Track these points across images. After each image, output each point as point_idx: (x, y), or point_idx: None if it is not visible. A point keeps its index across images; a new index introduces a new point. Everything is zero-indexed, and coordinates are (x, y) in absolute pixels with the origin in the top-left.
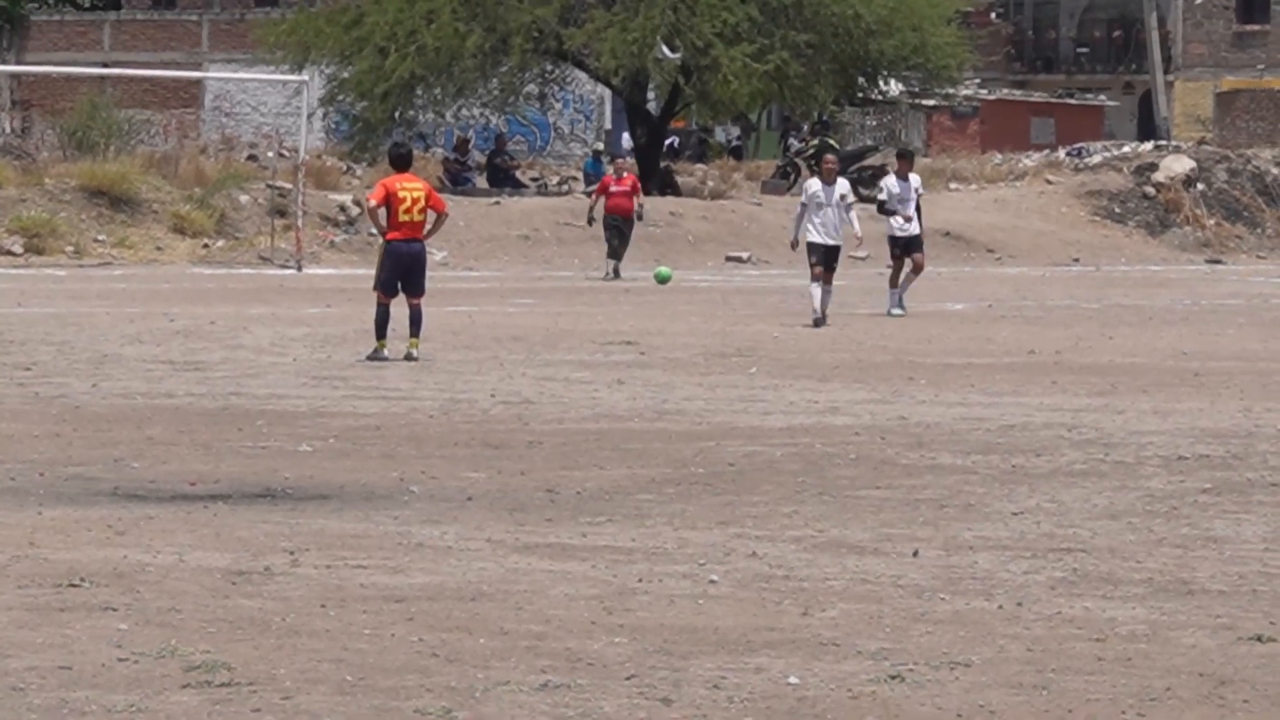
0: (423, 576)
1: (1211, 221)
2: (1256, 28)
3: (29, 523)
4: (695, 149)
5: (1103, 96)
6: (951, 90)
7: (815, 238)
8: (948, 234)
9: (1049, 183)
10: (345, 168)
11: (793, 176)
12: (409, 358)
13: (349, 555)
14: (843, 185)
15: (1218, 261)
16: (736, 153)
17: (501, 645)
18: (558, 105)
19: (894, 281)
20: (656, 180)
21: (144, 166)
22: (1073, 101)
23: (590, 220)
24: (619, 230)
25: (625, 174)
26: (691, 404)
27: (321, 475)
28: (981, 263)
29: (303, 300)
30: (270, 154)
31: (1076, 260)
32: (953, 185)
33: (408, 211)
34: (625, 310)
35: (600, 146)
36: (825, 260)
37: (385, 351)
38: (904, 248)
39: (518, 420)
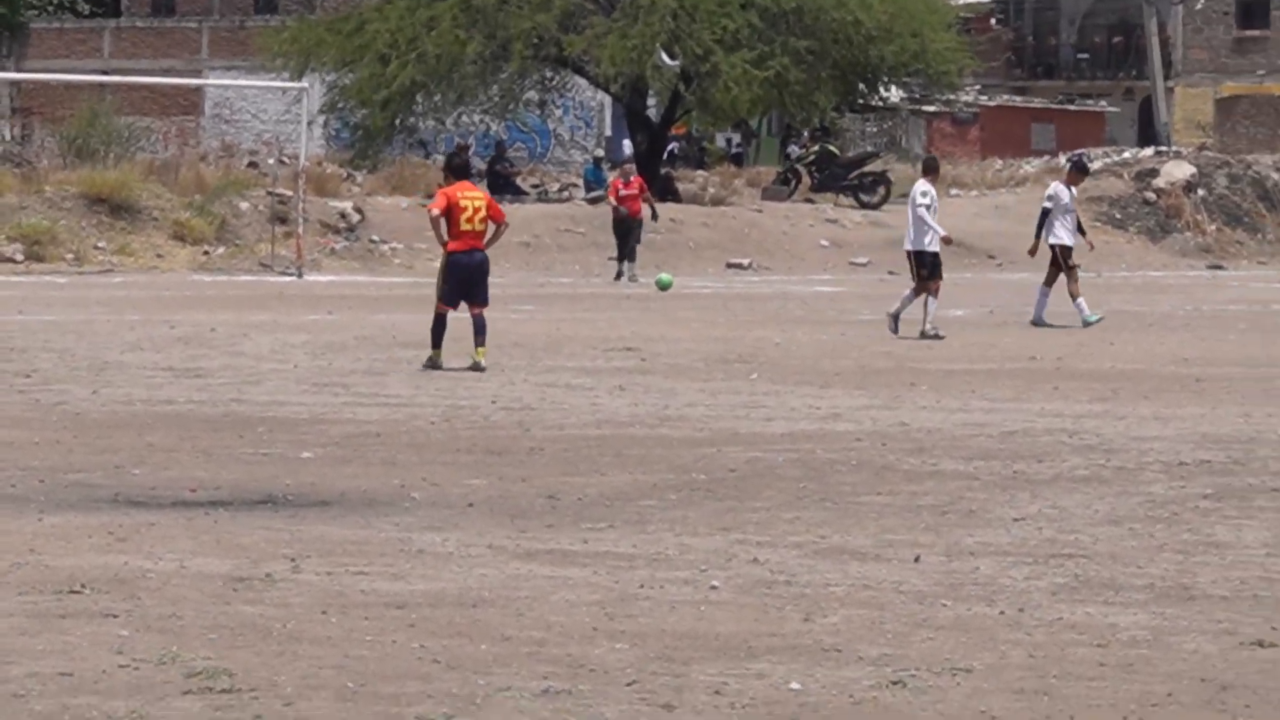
0: (424, 583)
1: (1212, 227)
2: (1257, 33)
3: (29, 529)
4: (694, 156)
5: (1103, 102)
6: (952, 96)
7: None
8: (948, 240)
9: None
10: (346, 175)
11: (793, 183)
12: (476, 367)
13: (350, 562)
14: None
15: (1218, 267)
16: (737, 159)
17: (503, 651)
18: (558, 112)
19: (1076, 291)
20: (657, 187)
21: (144, 174)
22: (1073, 108)
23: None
24: (629, 231)
25: (632, 177)
26: (693, 410)
27: (322, 482)
28: (983, 269)
29: (303, 307)
30: (271, 161)
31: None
32: (953, 191)
33: (469, 221)
34: (626, 316)
35: (600, 153)
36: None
37: (441, 360)
38: (1062, 259)
39: (519, 426)
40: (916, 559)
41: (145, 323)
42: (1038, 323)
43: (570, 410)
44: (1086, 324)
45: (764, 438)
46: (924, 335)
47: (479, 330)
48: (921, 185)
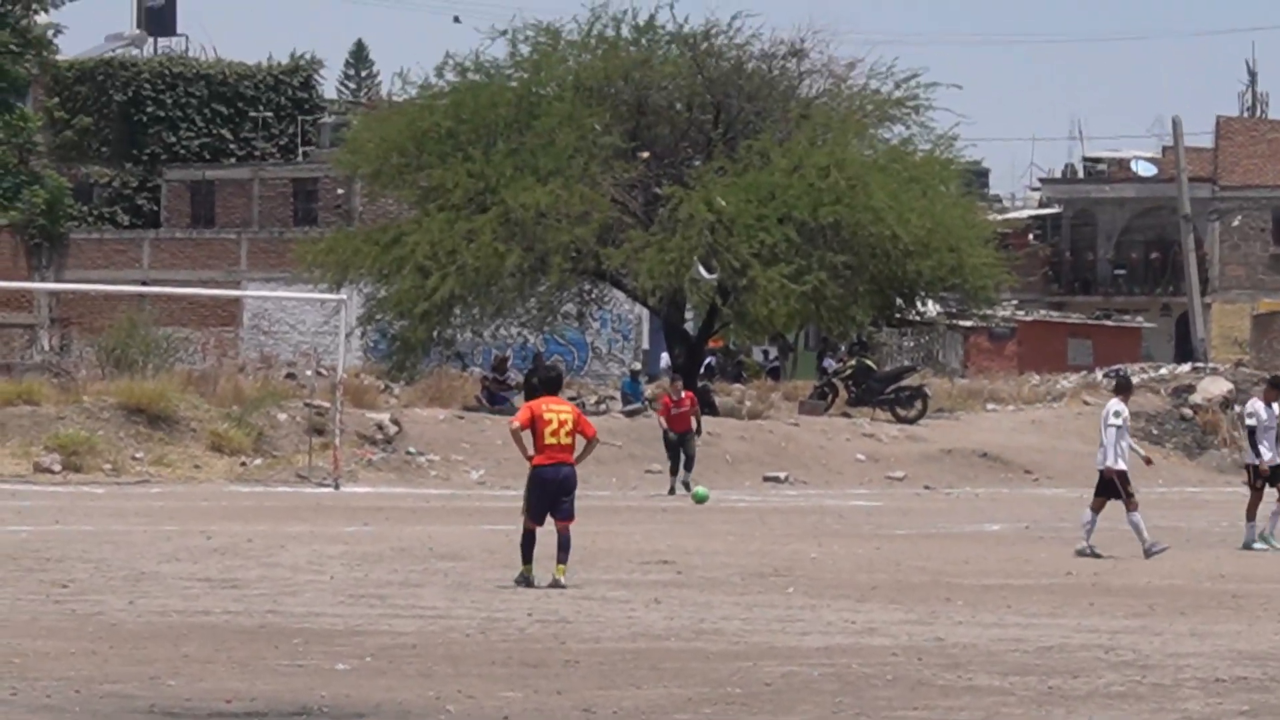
0: None
1: None
2: None
3: None
4: (731, 369)
5: (1140, 318)
6: (989, 311)
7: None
8: (985, 455)
9: (1086, 404)
10: (383, 386)
11: (830, 397)
12: (555, 584)
13: None
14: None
15: None
16: (774, 373)
17: None
18: (595, 325)
19: (1251, 514)
20: None
21: (182, 385)
22: (1110, 323)
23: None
24: (681, 446)
25: (684, 392)
26: (729, 623)
27: (358, 694)
28: (1019, 484)
29: (340, 519)
30: (308, 372)
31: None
32: (990, 406)
33: (554, 434)
34: (662, 529)
35: (638, 366)
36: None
37: (531, 575)
38: (1270, 478)
39: (555, 639)
40: None
41: (182, 533)
42: (1248, 546)
43: (606, 623)
44: (1248, 545)
45: (800, 651)
46: (1149, 553)
47: (562, 546)
48: (1116, 405)
